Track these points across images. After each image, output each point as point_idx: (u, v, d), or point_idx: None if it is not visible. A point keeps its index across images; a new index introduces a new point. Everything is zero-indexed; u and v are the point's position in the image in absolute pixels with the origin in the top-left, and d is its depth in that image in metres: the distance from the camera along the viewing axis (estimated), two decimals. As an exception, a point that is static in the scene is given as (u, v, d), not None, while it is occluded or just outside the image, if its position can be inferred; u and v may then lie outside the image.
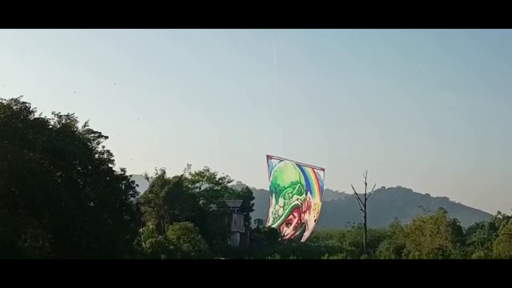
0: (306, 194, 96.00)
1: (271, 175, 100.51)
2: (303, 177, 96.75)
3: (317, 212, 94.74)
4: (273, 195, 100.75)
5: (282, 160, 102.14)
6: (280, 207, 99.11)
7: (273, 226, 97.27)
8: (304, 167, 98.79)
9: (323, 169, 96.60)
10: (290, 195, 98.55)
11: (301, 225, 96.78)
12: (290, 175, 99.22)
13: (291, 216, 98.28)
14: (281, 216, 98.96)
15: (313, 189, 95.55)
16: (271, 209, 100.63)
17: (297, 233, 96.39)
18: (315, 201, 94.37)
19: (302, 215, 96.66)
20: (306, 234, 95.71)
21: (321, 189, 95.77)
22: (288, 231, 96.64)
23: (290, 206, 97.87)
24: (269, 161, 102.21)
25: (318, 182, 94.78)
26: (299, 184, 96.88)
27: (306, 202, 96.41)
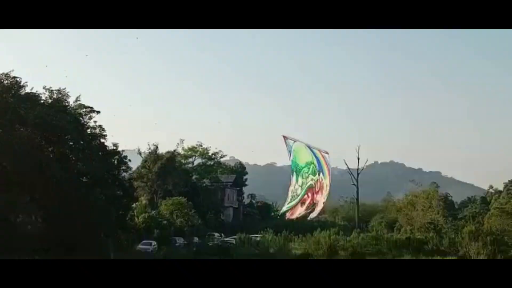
0: (319, 174, 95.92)
1: (291, 154, 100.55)
2: (314, 158, 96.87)
3: (327, 194, 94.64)
4: (294, 174, 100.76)
5: (295, 141, 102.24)
6: (299, 186, 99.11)
7: (291, 204, 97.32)
8: (313, 148, 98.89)
9: (327, 152, 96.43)
10: (306, 174, 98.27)
11: (312, 205, 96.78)
12: (304, 155, 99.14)
13: (306, 196, 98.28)
14: (299, 195, 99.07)
15: (324, 170, 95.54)
16: (291, 188, 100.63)
17: (307, 212, 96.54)
18: (327, 182, 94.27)
19: (315, 195, 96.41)
20: (313, 215, 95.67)
21: (329, 171, 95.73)
22: (301, 211, 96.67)
23: (306, 186, 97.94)
24: (286, 141, 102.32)
25: (327, 163, 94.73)
26: (312, 165, 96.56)
27: (319, 183, 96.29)
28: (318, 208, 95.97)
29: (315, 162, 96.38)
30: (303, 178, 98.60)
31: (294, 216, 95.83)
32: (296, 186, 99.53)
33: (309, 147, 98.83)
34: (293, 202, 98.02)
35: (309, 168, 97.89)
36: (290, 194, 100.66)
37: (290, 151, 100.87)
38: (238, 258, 45.92)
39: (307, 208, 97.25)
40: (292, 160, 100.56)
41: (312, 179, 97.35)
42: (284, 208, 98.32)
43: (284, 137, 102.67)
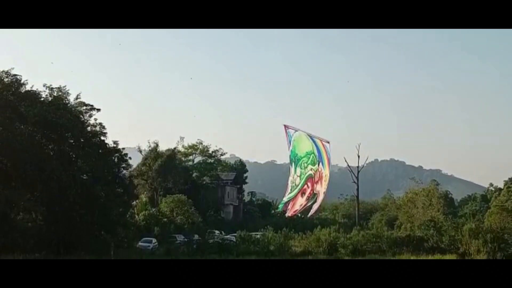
0: (318, 164, 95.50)
1: (291, 144, 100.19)
2: (315, 147, 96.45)
3: (327, 184, 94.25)
4: (293, 164, 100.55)
5: (296, 131, 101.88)
6: (298, 176, 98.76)
7: (290, 195, 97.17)
8: (314, 138, 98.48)
9: (328, 142, 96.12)
10: (306, 164, 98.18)
11: (313, 196, 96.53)
12: (305, 145, 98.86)
13: (305, 186, 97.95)
14: (298, 185, 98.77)
15: (323, 160, 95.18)
16: (290, 178, 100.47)
17: (309, 204, 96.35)
18: (326, 172, 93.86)
19: (315, 185, 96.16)
20: (315, 206, 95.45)
21: (329, 161, 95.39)
22: (302, 202, 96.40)
23: (305, 176, 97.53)
24: (287, 130, 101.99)
25: (327, 153, 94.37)
26: (312, 154, 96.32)
27: (318, 173, 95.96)
28: (320, 198, 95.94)
29: (315, 152, 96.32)
30: (301, 168, 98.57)
31: (295, 209, 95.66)
32: (295, 177, 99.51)
33: (310, 136, 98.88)
34: (293, 193, 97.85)
35: (308, 158, 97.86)
36: (289, 185, 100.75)
37: (290, 141, 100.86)
38: (238, 256, 46.01)
39: (308, 198, 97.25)
40: (291, 150, 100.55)
41: (311, 169, 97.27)
42: (285, 199, 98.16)
43: (286, 126, 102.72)
